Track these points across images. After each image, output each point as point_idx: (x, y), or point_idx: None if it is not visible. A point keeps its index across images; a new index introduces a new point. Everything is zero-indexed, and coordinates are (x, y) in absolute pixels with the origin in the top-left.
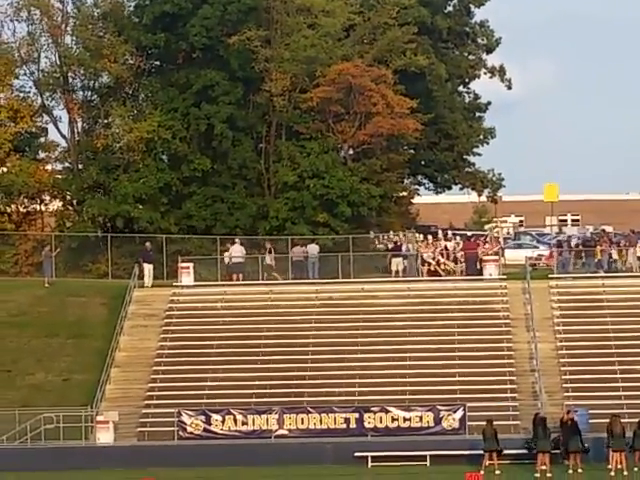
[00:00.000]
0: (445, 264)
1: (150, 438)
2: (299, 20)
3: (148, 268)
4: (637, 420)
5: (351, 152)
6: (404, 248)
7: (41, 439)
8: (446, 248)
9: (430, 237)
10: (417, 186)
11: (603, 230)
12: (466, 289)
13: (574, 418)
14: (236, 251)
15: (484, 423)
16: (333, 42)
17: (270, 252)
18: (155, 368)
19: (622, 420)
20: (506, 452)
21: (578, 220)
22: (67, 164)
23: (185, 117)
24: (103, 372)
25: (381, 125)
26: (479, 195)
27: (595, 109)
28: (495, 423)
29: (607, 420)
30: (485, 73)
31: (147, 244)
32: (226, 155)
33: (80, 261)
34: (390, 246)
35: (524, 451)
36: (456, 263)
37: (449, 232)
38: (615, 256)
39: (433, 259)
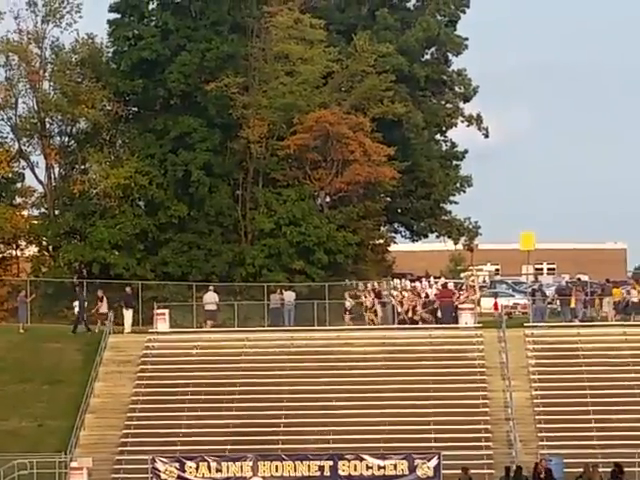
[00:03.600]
0: (421, 313)
1: None
2: (277, 67)
3: (128, 313)
4: (611, 470)
5: (328, 200)
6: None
7: None
8: (427, 296)
9: (417, 284)
10: (393, 234)
11: (579, 279)
12: (442, 337)
13: (549, 468)
14: (210, 298)
15: (459, 471)
16: (311, 89)
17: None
18: (130, 414)
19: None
20: None
21: (554, 269)
22: (43, 210)
23: (162, 163)
24: (77, 418)
25: (358, 173)
26: (455, 243)
27: (572, 157)
28: (470, 472)
29: (581, 469)
30: (462, 121)
31: (127, 289)
32: (203, 202)
33: (55, 307)
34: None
35: None
36: (433, 314)
37: (431, 279)
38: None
39: (413, 308)
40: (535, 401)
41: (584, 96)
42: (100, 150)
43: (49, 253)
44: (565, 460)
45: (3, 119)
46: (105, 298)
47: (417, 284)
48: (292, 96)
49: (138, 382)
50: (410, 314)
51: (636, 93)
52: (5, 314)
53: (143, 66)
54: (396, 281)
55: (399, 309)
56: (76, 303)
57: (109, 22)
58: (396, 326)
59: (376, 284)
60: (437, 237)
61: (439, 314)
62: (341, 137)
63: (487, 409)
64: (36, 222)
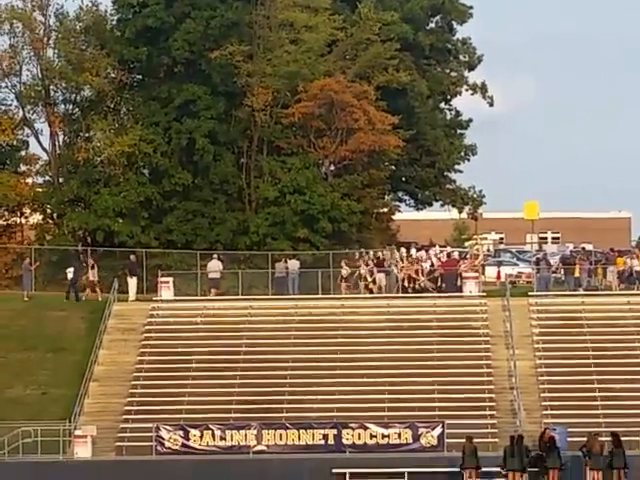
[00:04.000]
0: (422, 281)
1: (128, 453)
2: (281, 35)
3: (132, 281)
4: (612, 434)
5: (332, 168)
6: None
7: (19, 453)
8: (432, 265)
9: (420, 253)
10: (398, 202)
11: (583, 248)
12: (446, 306)
13: (553, 436)
14: (213, 266)
15: (463, 440)
16: (315, 58)
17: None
18: (134, 383)
19: (600, 439)
20: (484, 470)
21: (558, 238)
22: (48, 177)
23: (166, 131)
24: (81, 386)
25: (362, 141)
26: (460, 212)
27: (576, 127)
28: (474, 440)
29: (585, 439)
30: (467, 90)
31: (132, 257)
32: (207, 170)
33: (60, 275)
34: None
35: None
36: (435, 282)
37: (436, 248)
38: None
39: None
40: (539, 370)
41: (589, 67)
42: (104, 118)
43: (53, 221)
44: (569, 429)
45: (7, 87)
46: (96, 266)
47: (420, 253)
48: (296, 64)
49: (142, 350)
50: (407, 282)
51: None
52: (9, 282)
53: (147, 34)
54: (400, 250)
55: (399, 278)
56: (70, 269)
57: None
58: (400, 295)
59: (379, 253)
60: (441, 206)
61: (440, 283)
62: (345, 105)
63: (491, 378)
64: (40, 190)
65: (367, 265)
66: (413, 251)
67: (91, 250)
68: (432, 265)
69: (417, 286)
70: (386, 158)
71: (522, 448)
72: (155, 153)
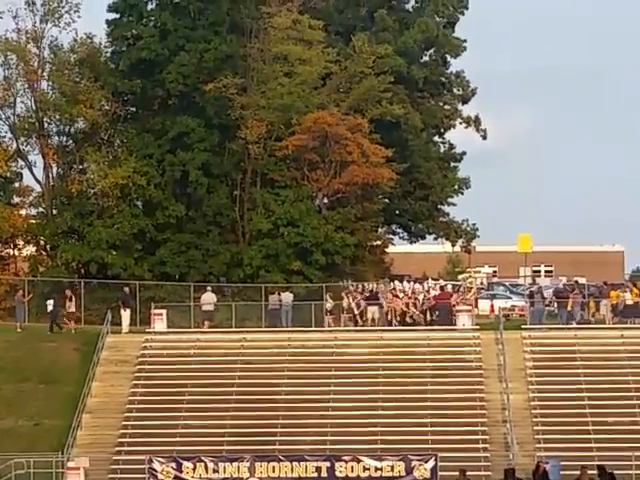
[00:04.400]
0: (413, 314)
1: None
2: (275, 68)
3: (126, 313)
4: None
5: (326, 201)
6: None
7: None
8: (427, 298)
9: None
10: (391, 235)
11: (576, 281)
12: (439, 339)
13: (546, 469)
14: (207, 299)
15: (456, 473)
16: (309, 90)
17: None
18: (127, 414)
19: (590, 472)
20: None
21: (551, 271)
22: (41, 209)
23: (160, 163)
24: (74, 418)
25: (356, 174)
26: (453, 245)
27: (569, 160)
28: (467, 474)
29: (578, 472)
30: (460, 123)
31: (126, 289)
32: (201, 202)
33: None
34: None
35: None
36: (425, 314)
37: (429, 281)
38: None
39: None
40: (532, 403)
41: (584, 99)
42: (98, 150)
43: (47, 252)
44: (562, 462)
45: (1, 118)
46: (74, 297)
47: (416, 285)
48: (290, 97)
49: (135, 382)
50: (397, 316)
51: (634, 97)
52: (2, 313)
53: (141, 66)
54: (392, 283)
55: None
56: (50, 301)
57: (108, 22)
58: (394, 327)
59: (372, 285)
60: (435, 239)
61: (429, 315)
62: (339, 138)
63: (484, 411)
64: (34, 221)
65: (354, 298)
66: (406, 284)
67: (79, 282)
68: (425, 297)
69: (408, 319)
70: (380, 191)
71: None
72: (149, 185)
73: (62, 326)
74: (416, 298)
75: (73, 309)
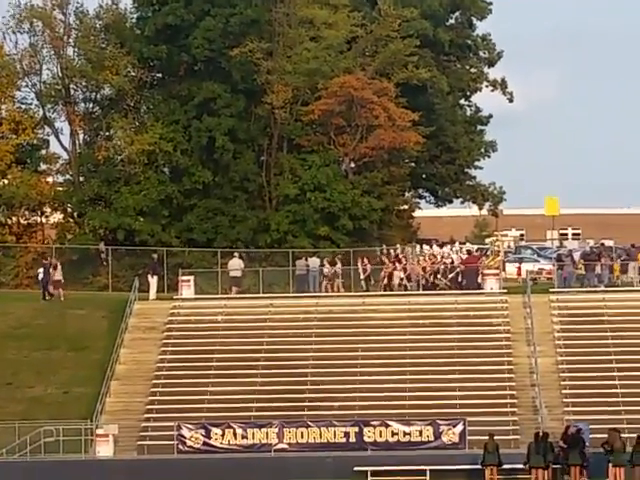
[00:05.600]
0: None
1: (150, 452)
2: (301, 32)
3: (153, 280)
4: (637, 435)
5: (352, 165)
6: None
7: (41, 452)
8: (452, 262)
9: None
10: (418, 199)
11: (602, 244)
12: (466, 303)
13: (575, 432)
14: (234, 265)
15: (484, 438)
16: (335, 55)
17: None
18: (155, 381)
19: (622, 435)
20: (505, 467)
21: (579, 234)
22: (68, 176)
23: (186, 129)
24: (103, 385)
25: (383, 138)
26: (480, 209)
27: (596, 122)
28: (495, 438)
29: (606, 435)
30: (487, 86)
31: (154, 256)
32: (227, 168)
33: (80, 274)
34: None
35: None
36: (452, 281)
37: (456, 245)
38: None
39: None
40: (560, 367)
41: (611, 62)
42: (124, 116)
43: (74, 220)
44: (591, 426)
45: (27, 85)
46: (59, 265)
47: (437, 249)
48: (316, 61)
49: (163, 349)
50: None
51: None
52: (30, 281)
53: (167, 32)
54: (419, 247)
55: (403, 274)
56: (40, 270)
57: None
58: (421, 292)
59: (398, 250)
60: (462, 203)
61: (459, 280)
62: (365, 102)
63: (512, 375)
64: (61, 189)
65: (363, 263)
66: (436, 248)
67: (107, 249)
68: (452, 262)
69: (429, 283)
70: (406, 155)
71: (547, 445)
72: (175, 151)
73: (52, 293)
74: (433, 263)
75: (59, 277)
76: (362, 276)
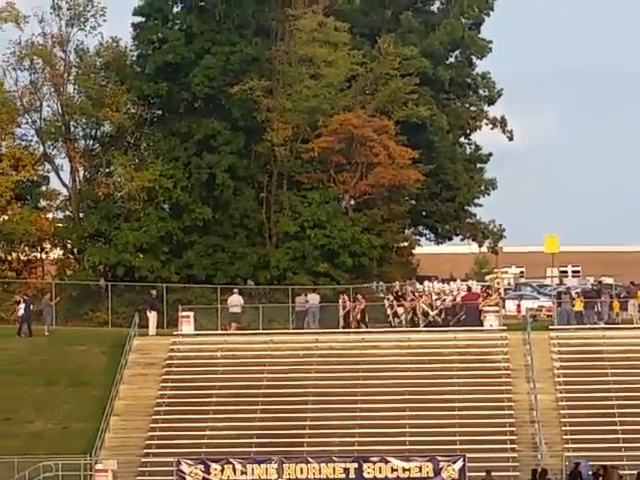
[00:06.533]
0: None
1: None
2: (301, 70)
3: (153, 316)
4: (637, 472)
5: (352, 202)
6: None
7: None
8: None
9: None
10: (418, 237)
11: (599, 282)
12: (466, 340)
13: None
14: (234, 301)
15: (483, 474)
16: (335, 92)
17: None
18: (155, 417)
19: (621, 473)
20: None
21: (579, 271)
22: (68, 212)
23: (187, 166)
24: (102, 420)
25: (383, 175)
26: (480, 246)
27: (596, 160)
28: (494, 474)
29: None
30: (486, 124)
31: (153, 292)
32: (227, 204)
33: (80, 309)
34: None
35: None
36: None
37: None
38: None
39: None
40: (560, 403)
41: (610, 100)
42: (125, 153)
43: (74, 256)
44: (590, 463)
45: (28, 122)
46: (23, 301)
47: (439, 285)
48: (316, 99)
49: (163, 384)
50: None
51: None
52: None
53: (167, 69)
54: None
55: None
56: (21, 306)
57: (133, 25)
58: (421, 329)
59: (396, 287)
60: (462, 240)
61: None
62: (365, 140)
63: (512, 411)
64: (61, 225)
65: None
66: (436, 284)
67: (106, 285)
68: (444, 299)
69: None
70: (406, 192)
71: None
72: (175, 188)
73: (31, 331)
74: (432, 299)
75: (22, 312)
76: (341, 312)
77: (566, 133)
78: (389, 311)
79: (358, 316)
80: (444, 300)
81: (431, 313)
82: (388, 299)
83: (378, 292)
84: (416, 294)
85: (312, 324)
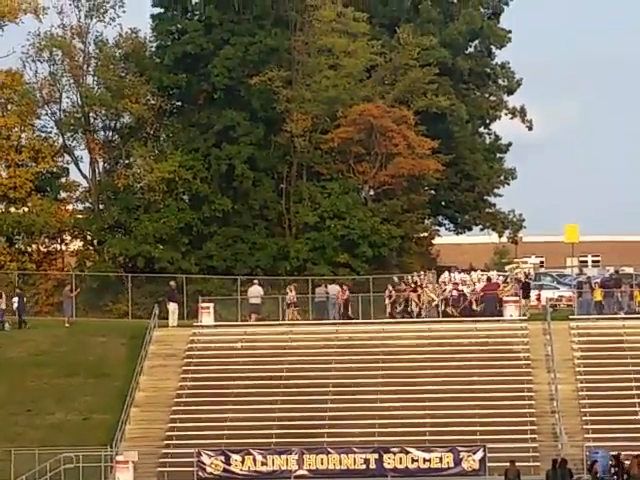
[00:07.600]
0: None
1: (170, 478)
2: (321, 61)
3: (173, 308)
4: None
5: (372, 193)
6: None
7: (61, 479)
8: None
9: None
10: (438, 227)
11: (616, 271)
12: (486, 330)
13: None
14: (254, 292)
15: (504, 464)
16: (354, 83)
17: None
18: (175, 408)
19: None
20: None
21: (599, 261)
22: (88, 204)
23: (206, 157)
24: (123, 412)
25: (402, 166)
26: (500, 236)
27: (616, 149)
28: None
29: (628, 462)
30: (506, 114)
31: (172, 283)
32: (247, 195)
33: (100, 301)
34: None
35: None
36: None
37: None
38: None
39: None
40: (580, 393)
41: (630, 88)
42: (144, 144)
43: (94, 247)
44: (611, 452)
45: (47, 114)
46: (4, 294)
47: (459, 276)
48: (336, 89)
49: (183, 376)
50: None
51: None
52: (50, 308)
53: (187, 60)
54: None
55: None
56: (15, 299)
57: (152, 16)
58: (441, 319)
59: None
60: (481, 230)
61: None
62: (385, 130)
63: (532, 402)
64: (81, 216)
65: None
66: (456, 275)
67: (126, 276)
68: (474, 290)
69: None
70: (426, 182)
71: (566, 472)
72: (195, 179)
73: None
74: (444, 291)
75: (3, 306)
76: (387, 302)
77: (586, 122)
78: (387, 301)
79: (341, 308)
80: (446, 290)
81: (436, 300)
82: (404, 289)
83: (400, 283)
84: (412, 284)
85: (334, 315)
